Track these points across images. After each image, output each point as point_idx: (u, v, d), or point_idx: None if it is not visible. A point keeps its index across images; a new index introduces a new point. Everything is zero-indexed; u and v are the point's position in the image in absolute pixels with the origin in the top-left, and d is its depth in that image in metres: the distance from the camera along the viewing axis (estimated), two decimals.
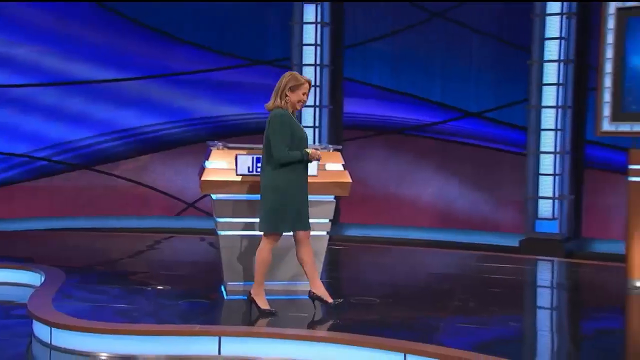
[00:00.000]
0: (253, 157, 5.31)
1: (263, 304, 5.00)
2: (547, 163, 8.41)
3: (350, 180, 5.45)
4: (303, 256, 5.01)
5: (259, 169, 5.23)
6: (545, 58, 8.34)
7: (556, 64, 8.28)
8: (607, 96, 6.15)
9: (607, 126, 6.21)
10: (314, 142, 8.73)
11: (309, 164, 4.96)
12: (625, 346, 5.01)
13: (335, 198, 5.50)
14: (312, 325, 4.94)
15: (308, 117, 8.86)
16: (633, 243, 6.18)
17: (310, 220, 5.30)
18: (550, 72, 8.34)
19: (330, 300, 5.01)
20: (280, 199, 4.84)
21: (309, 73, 8.66)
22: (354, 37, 9.23)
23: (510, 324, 5.27)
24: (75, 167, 9.39)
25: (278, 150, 4.76)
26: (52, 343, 4.50)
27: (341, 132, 9.15)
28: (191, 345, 4.35)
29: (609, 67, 6.15)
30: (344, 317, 4.97)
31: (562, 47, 8.28)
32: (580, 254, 8.22)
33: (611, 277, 7.03)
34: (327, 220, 5.47)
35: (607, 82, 6.14)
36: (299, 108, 4.97)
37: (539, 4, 8.27)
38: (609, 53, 6.15)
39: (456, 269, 7.51)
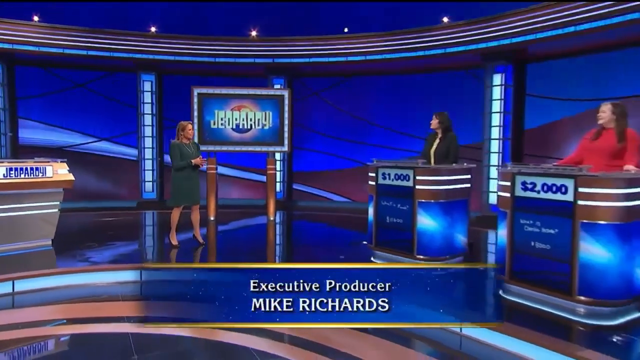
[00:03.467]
0: (7, 168, 4.93)
1: (174, 242, 5.11)
2: (148, 165, 8.82)
3: (74, 179, 5.32)
4: (193, 217, 5.29)
5: (11, 175, 5.01)
6: (145, 112, 8.75)
7: (150, 115, 8.74)
8: (195, 135, 6.70)
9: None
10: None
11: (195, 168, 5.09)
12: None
13: (63, 190, 5.27)
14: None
15: None
16: (209, 201, 7.07)
17: (46, 203, 5.34)
18: (147, 121, 8.74)
19: (201, 242, 5.28)
20: (179, 188, 5.05)
21: None
22: (24, 93, 8.34)
23: (127, 247, 5.31)
24: None
25: (173, 161, 5.03)
26: None
27: (18, 150, 8.25)
28: None
29: (196, 120, 7.01)
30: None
31: (153, 108, 8.74)
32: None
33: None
34: (58, 202, 5.31)
35: (195, 127, 6.81)
36: (190, 136, 5.17)
37: (140, 84, 8.66)
38: (195, 114, 6.98)
39: (95, 221, 7.28)
